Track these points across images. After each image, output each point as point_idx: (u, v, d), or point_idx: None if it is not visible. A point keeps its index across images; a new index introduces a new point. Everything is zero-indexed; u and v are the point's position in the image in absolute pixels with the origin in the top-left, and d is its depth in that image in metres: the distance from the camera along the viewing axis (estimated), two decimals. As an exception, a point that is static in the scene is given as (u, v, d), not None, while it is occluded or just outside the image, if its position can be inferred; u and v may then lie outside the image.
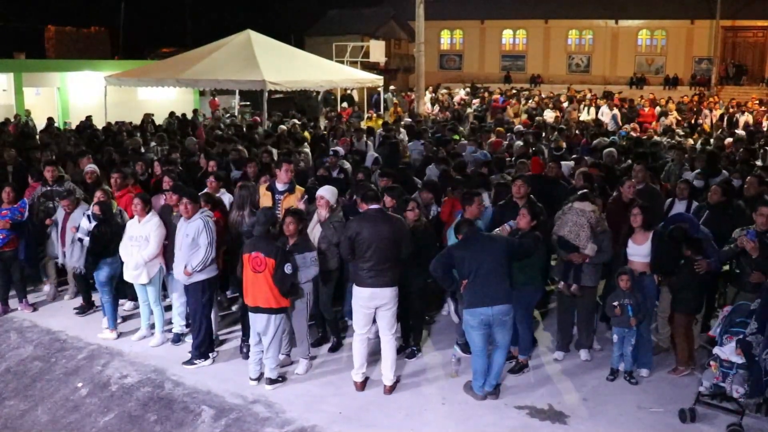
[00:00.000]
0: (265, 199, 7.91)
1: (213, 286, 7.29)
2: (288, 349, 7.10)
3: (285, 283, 6.38)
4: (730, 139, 14.98)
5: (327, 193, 7.20)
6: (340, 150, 11.77)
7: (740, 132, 17.14)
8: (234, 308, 8.46)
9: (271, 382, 6.64)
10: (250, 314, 6.61)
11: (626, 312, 6.56)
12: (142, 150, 13.14)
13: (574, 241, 6.91)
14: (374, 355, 6.90)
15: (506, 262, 6.26)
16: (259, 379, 6.72)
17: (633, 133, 16.71)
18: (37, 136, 15.96)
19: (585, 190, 7.58)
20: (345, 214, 7.36)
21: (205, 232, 6.94)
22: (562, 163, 10.24)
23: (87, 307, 8.50)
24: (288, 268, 6.36)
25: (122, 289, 8.22)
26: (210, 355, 7.17)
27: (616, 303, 6.59)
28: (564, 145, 13.65)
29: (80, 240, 7.98)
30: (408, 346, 7.31)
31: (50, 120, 18.23)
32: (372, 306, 6.45)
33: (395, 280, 6.48)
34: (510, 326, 6.29)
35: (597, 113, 23.31)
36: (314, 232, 7.16)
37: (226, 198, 8.38)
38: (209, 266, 7.05)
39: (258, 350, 6.68)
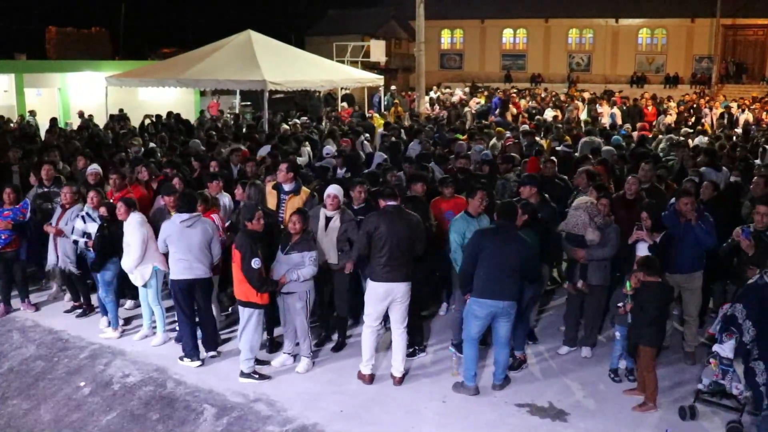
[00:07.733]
0: (270, 198, 7.98)
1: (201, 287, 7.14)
2: (291, 349, 7.13)
3: (251, 275, 6.44)
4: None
5: (337, 191, 7.27)
6: (331, 150, 11.83)
7: (737, 131, 17.16)
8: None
9: (243, 375, 6.72)
10: None
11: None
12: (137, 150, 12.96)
13: (572, 230, 7.02)
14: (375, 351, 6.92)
15: (522, 266, 6.28)
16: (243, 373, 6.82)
17: (636, 133, 16.62)
18: (42, 137, 15.95)
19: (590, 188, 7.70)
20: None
21: None
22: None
23: (88, 309, 8.48)
24: (255, 263, 6.40)
25: (122, 289, 8.22)
26: (197, 356, 7.09)
27: (620, 304, 6.47)
28: (568, 138, 13.66)
29: (75, 242, 7.96)
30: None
31: (53, 120, 18.22)
32: (386, 300, 6.55)
33: (409, 276, 6.59)
34: (512, 319, 6.35)
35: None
36: (328, 231, 7.15)
37: (226, 199, 8.40)
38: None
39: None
